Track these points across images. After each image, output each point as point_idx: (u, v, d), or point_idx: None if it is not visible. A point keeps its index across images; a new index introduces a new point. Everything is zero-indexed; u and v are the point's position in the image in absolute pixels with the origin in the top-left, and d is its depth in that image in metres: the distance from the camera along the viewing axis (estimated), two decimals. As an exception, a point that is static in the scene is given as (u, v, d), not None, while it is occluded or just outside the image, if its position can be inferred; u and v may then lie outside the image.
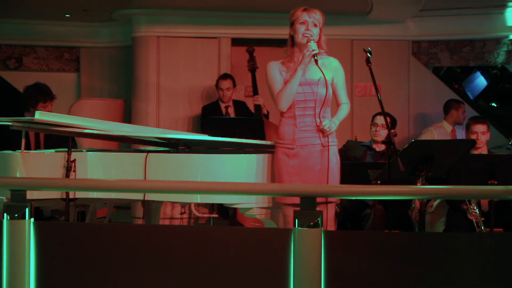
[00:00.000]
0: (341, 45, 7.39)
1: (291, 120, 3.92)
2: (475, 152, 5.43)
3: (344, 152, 5.49)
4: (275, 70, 3.97)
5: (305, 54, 3.84)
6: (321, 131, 3.92)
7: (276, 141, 4.00)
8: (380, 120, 5.59)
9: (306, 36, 3.88)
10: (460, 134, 7.07)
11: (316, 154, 3.92)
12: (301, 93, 3.89)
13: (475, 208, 4.98)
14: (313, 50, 3.82)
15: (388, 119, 5.54)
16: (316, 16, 3.92)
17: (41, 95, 5.42)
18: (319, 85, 3.92)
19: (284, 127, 3.95)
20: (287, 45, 4.02)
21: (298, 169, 3.89)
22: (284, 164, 3.92)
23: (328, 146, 3.95)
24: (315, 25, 3.91)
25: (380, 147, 5.59)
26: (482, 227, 4.90)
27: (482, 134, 5.42)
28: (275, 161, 3.98)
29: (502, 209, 5.02)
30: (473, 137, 5.41)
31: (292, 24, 3.96)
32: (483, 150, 5.47)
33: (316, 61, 3.84)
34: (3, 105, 8.27)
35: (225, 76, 6.88)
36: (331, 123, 3.92)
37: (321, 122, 3.92)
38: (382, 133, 5.57)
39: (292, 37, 3.97)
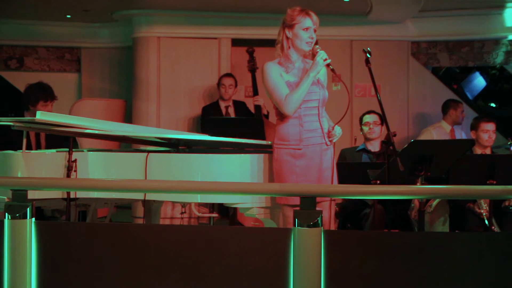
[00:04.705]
0: (340, 45, 7.42)
1: (296, 120, 3.89)
2: (483, 151, 5.47)
3: (343, 161, 5.50)
4: (276, 72, 3.89)
5: (318, 62, 3.82)
6: (330, 136, 3.94)
7: (277, 142, 3.94)
8: (370, 118, 5.61)
9: (310, 44, 3.87)
10: (459, 134, 7.09)
11: (320, 153, 3.91)
12: (307, 93, 3.89)
13: (484, 203, 5.05)
14: (326, 59, 3.82)
15: (378, 118, 5.59)
16: (317, 21, 3.89)
17: (43, 93, 5.37)
18: (320, 85, 3.94)
19: (288, 128, 3.90)
20: (280, 45, 3.94)
21: (305, 169, 3.87)
22: (290, 165, 3.87)
23: (334, 144, 3.98)
24: (315, 31, 3.91)
25: (375, 147, 5.61)
26: (495, 223, 4.93)
27: (493, 132, 5.49)
28: (277, 163, 3.92)
29: (494, 210, 5.06)
30: (485, 135, 5.45)
31: (290, 26, 3.89)
32: (487, 150, 5.51)
33: (332, 70, 3.86)
34: (4, 105, 8.29)
35: (228, 75, 6.92)
36: (340, 130, 3.96)
37: (333, 128, 3.93)
38: (376, 130, 5.59)
39: (287, 38, 3.91)
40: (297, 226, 2.76)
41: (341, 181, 4.16)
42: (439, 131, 6.97)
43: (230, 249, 2.86)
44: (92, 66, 8.05)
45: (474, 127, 5.56)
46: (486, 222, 5.03)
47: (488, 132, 5.48)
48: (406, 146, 4.24)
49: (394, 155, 3.94)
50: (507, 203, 5.21)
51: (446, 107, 7.08)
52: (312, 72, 3.84)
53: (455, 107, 7.05)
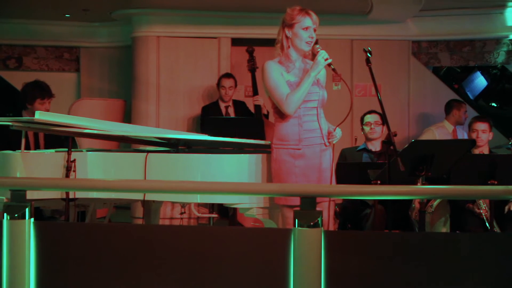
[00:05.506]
0: (341, 45, 7.41)
1: (295, 120, 3.87)
2: (476, 151, 5.44)
3: (344, 161, 5.49)
4: (277, 72, 3.87)
5: (319, 61, 3.80)
6: (330, 137, 3.92)
7: (276, 142, 3.92)
8: (371, 118, 5.61)
9: (309, 44, 3.86)
10: (461, 134, 7.08)
11: (320, 154, 3.90)
12: (307, 93, 3.87)
13: (483, 204, 5.04)
14: (327, 59, 3.80)
15: (379, 117, 5.59)
16: (316, 21, 3.87)
17: (39, 91, 5.38)
18: (319, 86, 3.93)
19: (287, 128, 3.89)
20: (280, 44, 3.93)
21: (305, 169, 3.86)
22: (290, 165, 3.86)
23: (334, 145, 3.97)
24: (315, 30, 3.89)
25: (376, 147, 5.60)
26: (495, 224, 4.91)
27: (482, 132, 5.45)
28: (276, 163, 3.91)
29: (496, 213, 5.05)
30: (474, 135, 5.44)
31: (290, 26, 3.87)
32: (484, 150, 5.48)
33: (334, 70, 3.83)
34: (3, 105, 8.28)
35: (227, 75, 6.89)
36: (340, 131, 3.95)
37: (335, 129, 3.93)
38: (377, 130, 5.59)
39: (286, 38, 3.90)
40: (297, 227, 2.75)
41: (341, 181, 4.15)
42: (442, 131, 6.96)
43: (230, 249, 2.85)
44: (91, 65, 8.03)
45: (469, 127, 5.56)
46: (486, 222, 5.02)
47: (476, 132, 5.45)
48: (406, 146, 4.22)
49: (394, 155, 3.93)
50: None
51: (449, 107, 7.08)
52: (313, 72, 3.82)
53: (458, 107, 7.05)
